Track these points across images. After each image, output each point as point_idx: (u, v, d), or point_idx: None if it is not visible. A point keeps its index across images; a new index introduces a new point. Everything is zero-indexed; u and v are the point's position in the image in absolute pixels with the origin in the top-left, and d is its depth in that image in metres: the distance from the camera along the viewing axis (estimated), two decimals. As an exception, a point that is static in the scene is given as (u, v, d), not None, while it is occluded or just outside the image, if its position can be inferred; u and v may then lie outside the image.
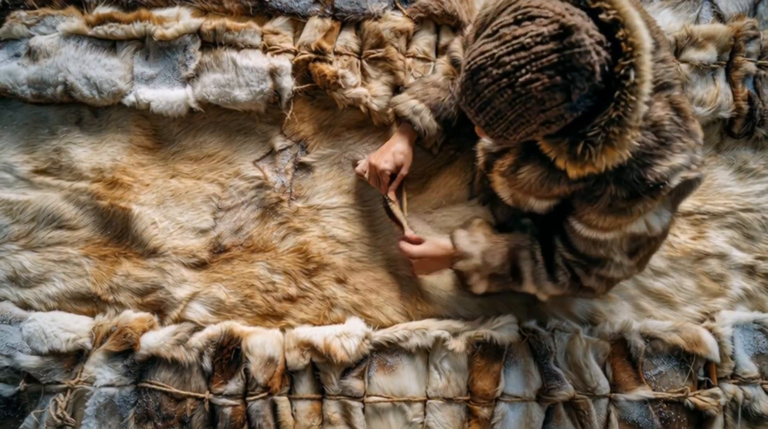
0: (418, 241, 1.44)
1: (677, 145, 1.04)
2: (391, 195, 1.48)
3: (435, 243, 1.42)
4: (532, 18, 0.89)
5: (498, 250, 1.36)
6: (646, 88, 0.93)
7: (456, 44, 1.49)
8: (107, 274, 1.55)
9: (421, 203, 1.58)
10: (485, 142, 1.34)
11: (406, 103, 1.46)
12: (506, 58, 0.89)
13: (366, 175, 1.49)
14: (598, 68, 0.88)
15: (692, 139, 1.06)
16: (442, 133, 1.48)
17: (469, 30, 1.40)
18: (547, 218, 1.31)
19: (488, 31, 0.93)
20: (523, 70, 0.88)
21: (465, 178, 1.57)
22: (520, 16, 0.90)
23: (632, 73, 0.91)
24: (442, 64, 1.49)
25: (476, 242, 1.39)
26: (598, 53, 0.89)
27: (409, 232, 1.46)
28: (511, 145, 1.15)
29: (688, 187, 1.08)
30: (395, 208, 1.48)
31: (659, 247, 1.24)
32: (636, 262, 1.24)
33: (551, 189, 1.15)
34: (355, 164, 1.56)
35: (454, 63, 1.46)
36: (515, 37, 0.89)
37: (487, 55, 0.91)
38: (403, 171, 1.46)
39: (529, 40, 0.87)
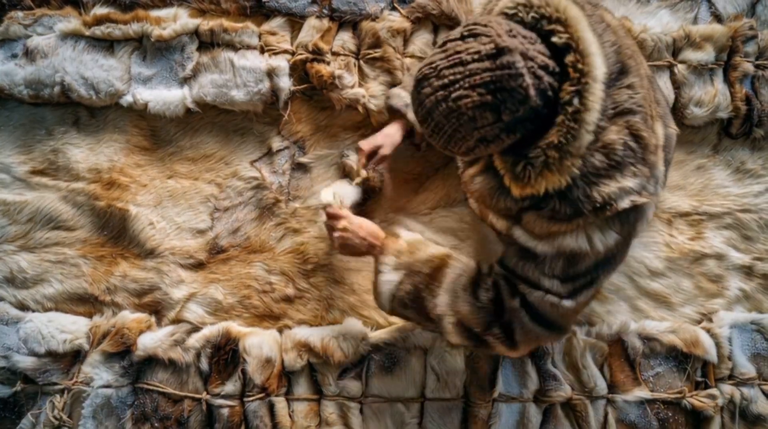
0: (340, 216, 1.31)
1: (630, 169, 0.99)
2: (363, 171, 1.47)
3: (365, 225, 1.30)
4: (475, 35, 0.90)
5: (426, 248, 1.27)
6: (592, 117, 0.92)
7: None
8: (104, 275, 1.55)
9: (419, 204, 1.58)
10: None
11: (400, 95, 1.46)
12: (446, 71, 0.91)
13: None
14: (532, 92, 0.88)
15: (648, 169, 1.01)
16: None
17: None
18: None
19: (440, 42, 0.95)
20: (457, 85, 0.89)
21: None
22: (466, 33, 0.92)
23: (576, 101, 0.91)
24: None
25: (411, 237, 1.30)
26: (537, 77, 0.89)
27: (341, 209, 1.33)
28: (460, 157, 1.14)
29: (637, 214, 1.02)
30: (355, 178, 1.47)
31: (601, 282, 1.11)
32: (568, 290, 1.08)
33: (499, 202, 1.10)
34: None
35: None
36: (457, 52, 0.90)
37: (432, 65, 0.93)
38: (384, 151, 1.42)
39: (467, 56, 0.89)
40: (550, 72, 0.91)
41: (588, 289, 1.11)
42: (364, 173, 1.47)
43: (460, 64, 0.90)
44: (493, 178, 1.12)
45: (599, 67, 0.92)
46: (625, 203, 0.98)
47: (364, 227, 1.29)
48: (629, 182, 0.99)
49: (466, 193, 1.32)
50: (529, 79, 0.88)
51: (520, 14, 0.97)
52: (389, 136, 1.45)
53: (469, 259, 1.28)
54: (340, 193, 1.39)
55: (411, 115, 1.44)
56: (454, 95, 0.90)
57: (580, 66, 0.90)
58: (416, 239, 1.29)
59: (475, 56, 0.89)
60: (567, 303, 1.10)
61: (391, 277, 1.25)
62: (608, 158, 0.98)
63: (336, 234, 1.30)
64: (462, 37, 0.92)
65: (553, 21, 0.93)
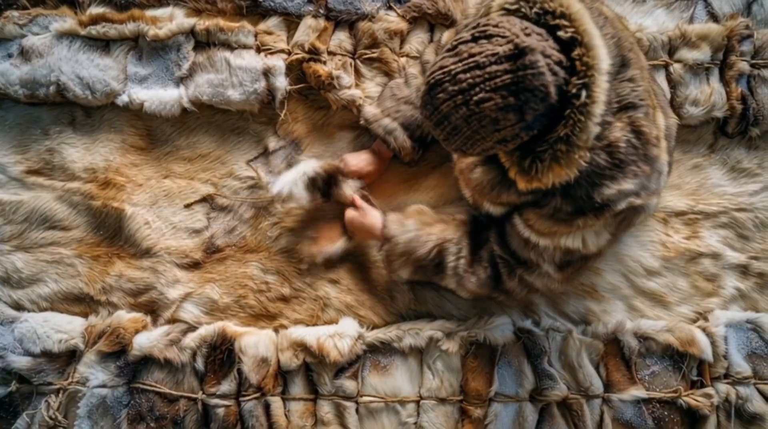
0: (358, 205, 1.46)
1: (630, 169, 1.02)
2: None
3: (367, 215, 1.42)
4: (489, 37, 0.89)
5: (427, 239, 1.35)
6: (598, 109, 0.93)
7: (429, 54, 1.46)
8: (100, 275, 1.55)
9: (414, 203, 1.57)
10: None
11: (380, 122, 1.46)
12: (462, 76, 0.89)
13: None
14: (552, 89, 0.88)
15: (649, 165, 1.04)
16: (417, 150, 1.49)
17: (446, 38, 1.41)
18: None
19: (449, 45, 0.94)
20: (477, 89, 0.88)
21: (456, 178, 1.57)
22: (477, 34, 0.91)
23: (583, 93, 0.91)
24: (416, 76, 1.47)
25: (406, 229, 1.37)
26: (554, 74, 0.89)
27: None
28: (468, 157, 1.17)
29: (632, 213, 1.07)
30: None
31: (589, 266, 1.26)
32: (563, 276, 1.24)
33: (500, 195, 1.15)
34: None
35: None
36: (471, 56, 0.89)
37: (445, 70, 0.92)
38: (366, 180, 1.50)
39: (484, 59, 0.88)
40: (563, 67, 0.91)
41: (578, 270, 1.25)
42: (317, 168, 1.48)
43: (477, 68, 0.88)
44: (494, 170, 1.14)
45: (604, 60, 0.92)
46: (622, 205, 1.03)
47: (366, 226, 1.42)
48: (629, 184, 1.02)
49: (459, 181, 1.33)
50: (549, 77, 0.88)
51: (523, 9, 0.96)
52: (375, 168, 1.50)
53: (456, 232, 1.35)
54: (305, 169, 1.45)
55: (394, 143, 1.45)
56: (475, 99, 0.89)
57: (586, 59, 0.91)
58: (410, 237, 1.36)
59: (492, 58, 0.88)
60: (559, 284, 1.27)
61: (403, 274, 1.41)
62: (611, 157, 1.01)
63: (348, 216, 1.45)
64: (474, 39, 0.90)
65: (558, 15, 0.93)
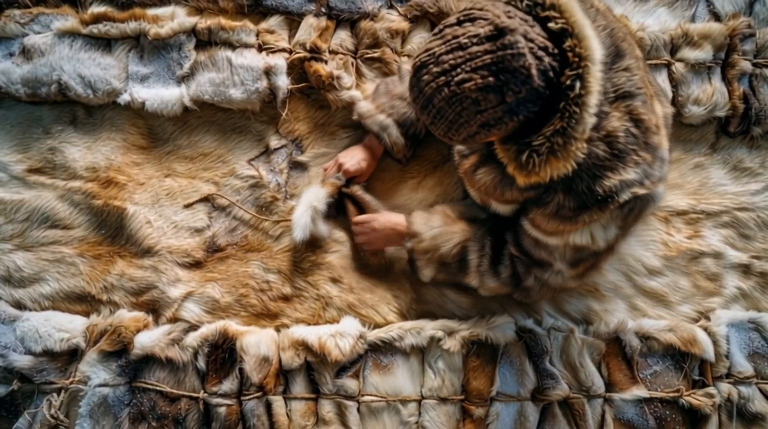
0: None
1: (631, 158, 1.02)
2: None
3: (388, 216, 1.45)
4: (472, 20, 0.91)
5: (450, 237, 1.37)
6: (593, 100, 0.93)
7: None
8: (101, 274, 1.55)
9: (418, 202, 1.57)
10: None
11: (374, 118, 1.48)
12: (445, 57, 0.91)
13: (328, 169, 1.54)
14: (534, 72, 0.88)
15: (650, 153, 1.04)
16: (409, 147, 1.51)
17: None
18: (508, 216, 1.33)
19: (436, 30, 0.95)
20: (459, 69, 0.90)
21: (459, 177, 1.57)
22: (462, 18, 0.92)
23: (577, 84, 0.91)
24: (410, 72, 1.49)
25: (431, 225, 1.40)
26: (538, 58, 0.89)
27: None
28: (457, 145, 1.18)
29: (640, 204, 1.06)
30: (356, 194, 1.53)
31: (603, 262, 1.25)
32: (576, 273, 1.24)
33: (504, 193, 1.16)
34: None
35: None
36: (455, 37, 0.91)
37: (429, 53, 0.93)
38: (359, 179, 1.53)
39: (466, 40, 0.89)
40: (550, 53, 0.91)
41: (591, 267, 1.25)
42: (334, 183, 1.51)
43: (459, 49, 0.89)
44: (495, 169, 1.15)
45: (597, 50, 0.92)
46: (625, 196, 1.03)
47: (388, 226, 1.44)
48: (630, 174, 1.02)
49: (465, 185, 1.35)
50: (530, 59, 0.88)
51: (513, 2, 0.97)
52: (368, 165, 1.51)
53: (479, 231, 1.37)
54: (315, 203, 1.48)
55: (387, 140, 1.47)
56: (455, 80, 0.90)
57: (578, 50, 0.91)
58: (435, 234, 1.39)
59: (474, 39, 0.89)
60: (574, 281, 1.28)
61: (428, 273, 1.44)
62: (611, 148, 1.01)
63: (361, 232, 1.48)
64: (458, 22, 0.92)
65: (547, 7, 0.93)
